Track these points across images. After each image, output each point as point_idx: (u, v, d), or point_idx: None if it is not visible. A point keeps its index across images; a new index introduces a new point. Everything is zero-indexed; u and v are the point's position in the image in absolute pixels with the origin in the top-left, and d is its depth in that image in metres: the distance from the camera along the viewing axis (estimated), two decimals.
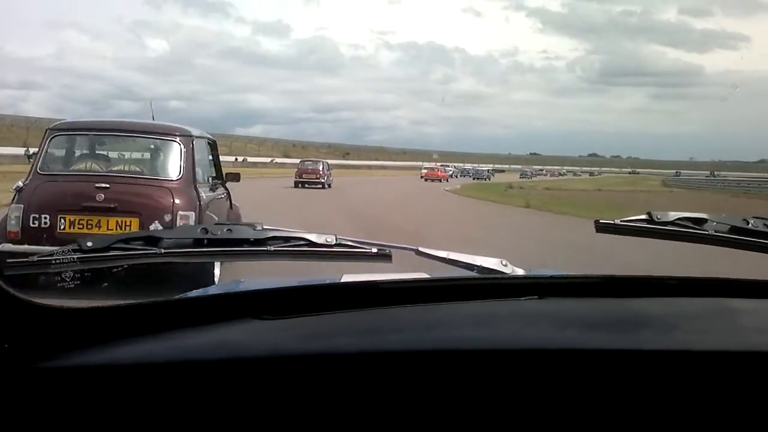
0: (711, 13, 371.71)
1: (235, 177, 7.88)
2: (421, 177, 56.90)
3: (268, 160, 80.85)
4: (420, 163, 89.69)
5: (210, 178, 7.11)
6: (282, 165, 76.45)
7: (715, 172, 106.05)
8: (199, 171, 6.48)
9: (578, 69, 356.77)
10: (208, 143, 7.27)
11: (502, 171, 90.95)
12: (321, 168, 32.86)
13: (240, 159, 71.63)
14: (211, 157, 7.44)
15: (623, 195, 34.76)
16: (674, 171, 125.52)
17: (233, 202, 8.29)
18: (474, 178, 65.93)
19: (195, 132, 6.69)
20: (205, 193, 6.42)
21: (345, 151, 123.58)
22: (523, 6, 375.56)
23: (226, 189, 7.82)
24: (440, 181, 53.64)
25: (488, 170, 76.49)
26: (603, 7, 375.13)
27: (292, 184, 31.40)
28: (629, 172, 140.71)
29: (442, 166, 70.40)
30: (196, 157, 6.40)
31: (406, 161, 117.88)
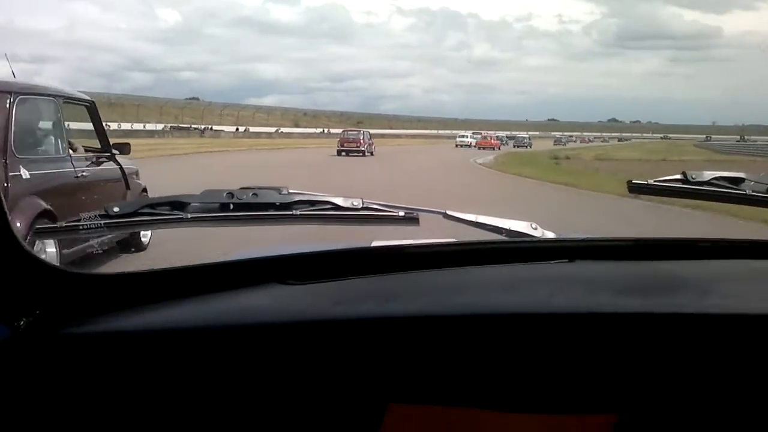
0: None
1: (124, 148, 6.48)
2: (472, 146, 56.33)
3: (273, 129, 79.00)
4: (454, 132, 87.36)
5: (65, 149, 5.46)
6: (289, 135, 74.80)
7: (745, 137, 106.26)
8: (28, 139, 4.95)
9: (594, 33, 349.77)
10: (67, 102, 5.60)
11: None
12: (361, 137, 35.95)
13: (242, 129, 70.26)
14: (90, 125, 5.94)
15: (691, 165, 29.07)
16: (704, 136, 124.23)
17: (138, 179, 6.61)
18: (515, 146, 63.52)
19: (20, 86, 4.93)
20: (35, 171, 4.71)
21: (357, 120, 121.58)
22: None
23: (119, 164, 6.13)
24: (493, 149, 52.26)
25: (528, 138, 74.01)
26: None
27: (330, 154, 33.75)
28: (661, 137, 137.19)
29: (483, 134, 67.83)
30: (23, 120, 4.72)
31: (420, 129, 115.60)
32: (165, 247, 6.17)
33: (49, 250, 4.55)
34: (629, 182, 1.30)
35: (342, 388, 0.79)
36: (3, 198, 0.79)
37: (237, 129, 70.01)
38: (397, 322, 0.82)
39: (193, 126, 68.65)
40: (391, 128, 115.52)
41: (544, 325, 0.80)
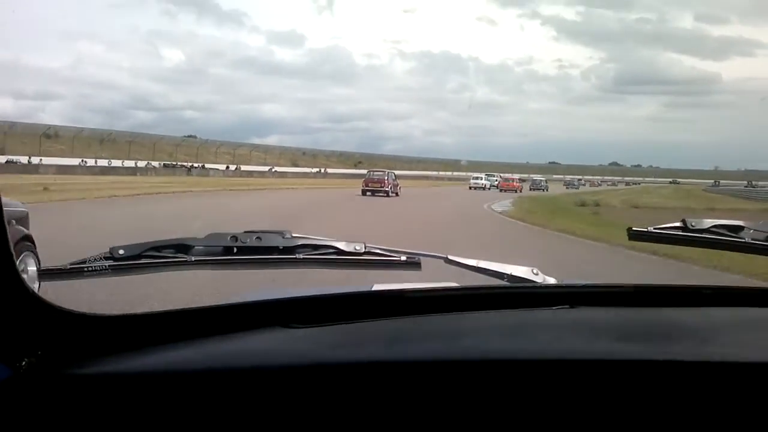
0: (728, 20, 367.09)
1: None
2: (486, 188, 54.94)
3: (266, 168, 76.35)
4: (465, 174, 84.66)
5: None
6: (284, 174, 72.13)
7: (753, 182, 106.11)
8: None
9: (593, 77, 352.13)
10: None
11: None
12: (386, 178, 36.05)
13: (233, 167, 67.36)
14: None
15: (743, 215, 21.35)
16: (713, 181, 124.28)
17: (20, 226, 5.48)
18: (531, 189, 60.80)
19: None
20: None
21: (357, 160, 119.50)
22: (537, 14, 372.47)
23: None
24: (515, 191, 50.90)
25: (545, 181, 71.07)
26: (618, 15, 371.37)
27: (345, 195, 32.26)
28: (670, 182, 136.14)
29: (504, 177, 66.16)
30: None
31: (420, 170, 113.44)
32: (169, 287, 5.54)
33: (30, 269, 4.61)
34: (629, 229, 1.29)
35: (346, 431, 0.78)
36: (9, 239, 0.78)
37: (227, 167, 67.41)
38: (399, 366, 0.81)
39: (179, 164, 66.41)
40: (390, 169, 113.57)
41: (545, 372, 0.80)
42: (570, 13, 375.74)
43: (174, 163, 66.78)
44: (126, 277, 1.20)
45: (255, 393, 0.79)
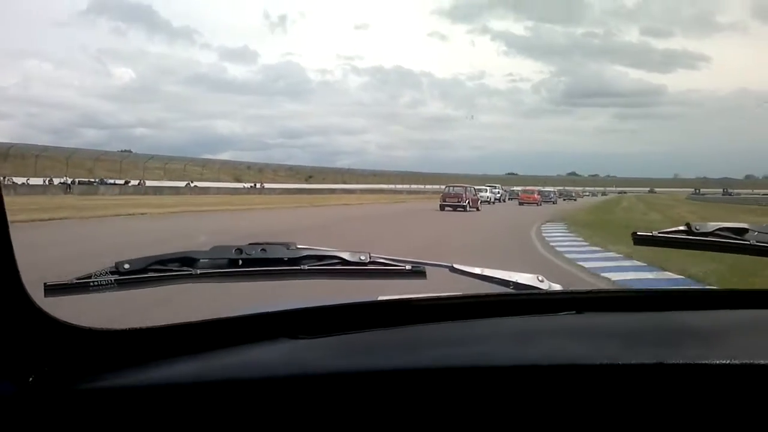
0: (672, 33, 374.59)
1: None
2: (491, 201, 48.23)
3: (183, 184, 66.14)
4: (437, 187, 75.42)
5: None
6: (206, 190, 62.34)
7: (728, 190, 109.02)
8: None
9: (543, 91, 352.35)
10: None
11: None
12: (464, 193, 36.10)
13: (135, 182, 57.81)
14: None
15: None
16: (693, 189, 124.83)
17: None
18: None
19: None
20: None
21: (307, 174, 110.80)
22: (487, 29, 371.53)
23: None
24: (538, 204, 47.60)
25: (554, 192, 64.49)
26: (566, 29, 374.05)
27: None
28: (649, 191, 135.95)
29: (525, 189, 59.43)
30: None
31: (376, 183, 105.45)
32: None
33: None
34: (634, 234, 1.28)
35: None
36: (14, 255, 0.78)
37: (126, 182, 57.93)
38: (407, 374, 0.81)
39: (96, 180, 56.76)
40: (344, 182, 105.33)
41: (553, 378, 0.79)
42: (519, 29, 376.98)
43: (93, 180, 57.31)
44: (131, 292, 1.16)
45: (263, 404, 0.79)
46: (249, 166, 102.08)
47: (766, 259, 1.30)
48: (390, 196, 68.63)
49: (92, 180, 57.50)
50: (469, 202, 35.21)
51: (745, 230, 1.28)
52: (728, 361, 0.79)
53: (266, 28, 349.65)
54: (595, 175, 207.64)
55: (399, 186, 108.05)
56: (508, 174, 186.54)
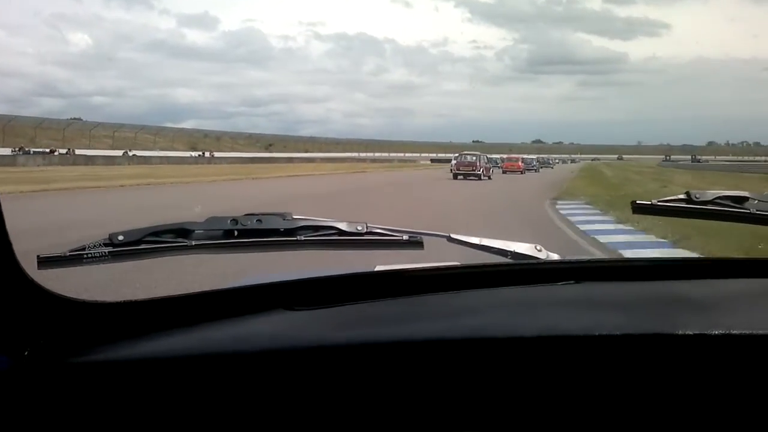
0: (634, 1, 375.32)
1: None
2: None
3: (121, 153, 61.42)
4: (443, 155, 73.01)
5: None
6: (148, 159, 58.22)
7: (696, 156, 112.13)
8: None
9: (507, 58, 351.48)
10: None
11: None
12: (478, 162, 35.40)
13: (63, 151, 53.29)
14: None
15: None
16: (663, 156, 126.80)
17: None
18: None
19: None
20: None
21: (269, 142, 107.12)
22: None
23: None
24: (521, 173, 47.54)
25: (536, 160, 64.34)
26: None
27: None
28: (617, 158, 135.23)
29: (508, 157, 57.92)
30: None
31: (339, 152, 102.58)
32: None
33: None
34: (633, 202, 1.29)
35: (347, 414, 0.78)
36: (6, 228, 0.77)
37: (51, 151, 54.09)
38: (403, 346, 0.81)
39: (32, 150, 52.77)
40: (307, 151, 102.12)
41: (551, 348, 0.79)
42: None
43: (26, 149, 53.23)
44: (127, 263, 1.16)
45: (259, 376, 0.79)
46: (206, 135, 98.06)
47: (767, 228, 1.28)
48: (352, 165, 65.83)
49: (15, 149, 53.07)
50: (483, 171, 34.73)
51: (745, 198, 1.27)
52: (728, 330, 0.78)
53: None
54: (560, 143, 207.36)
55: (363, 154, 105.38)
56: (474, 141, 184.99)
